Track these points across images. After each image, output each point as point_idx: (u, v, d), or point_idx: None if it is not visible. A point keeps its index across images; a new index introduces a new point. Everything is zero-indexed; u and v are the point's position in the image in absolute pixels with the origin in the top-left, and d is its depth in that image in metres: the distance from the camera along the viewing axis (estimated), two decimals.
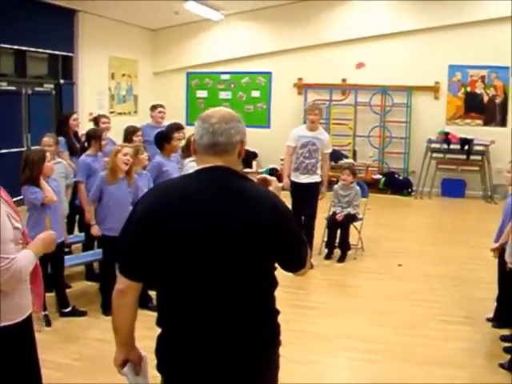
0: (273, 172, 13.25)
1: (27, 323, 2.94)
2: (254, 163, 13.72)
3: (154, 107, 8.51)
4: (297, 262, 2.41)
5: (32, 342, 3.04)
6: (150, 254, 2.24)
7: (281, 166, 13.20)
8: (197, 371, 2.23)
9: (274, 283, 2.37)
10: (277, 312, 2.40)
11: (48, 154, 5.29)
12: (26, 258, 2.80)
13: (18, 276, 2.73)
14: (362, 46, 13.36)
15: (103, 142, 6.76)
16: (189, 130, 8.05)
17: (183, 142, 7.69)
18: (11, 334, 2.79)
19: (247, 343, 2.26)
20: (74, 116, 7.66)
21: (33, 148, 10.58)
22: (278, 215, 2.29)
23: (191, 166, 6.64)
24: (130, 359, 2.42)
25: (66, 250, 6.33)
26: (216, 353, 2.22)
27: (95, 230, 5.82)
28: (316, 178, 7.52)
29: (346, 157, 13.07)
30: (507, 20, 12.12)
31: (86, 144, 6.79)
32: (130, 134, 7.14)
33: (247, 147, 11.82)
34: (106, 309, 5.67)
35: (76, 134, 7.66)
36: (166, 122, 8.39)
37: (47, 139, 6.35)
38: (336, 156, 11.98)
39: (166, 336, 2.33)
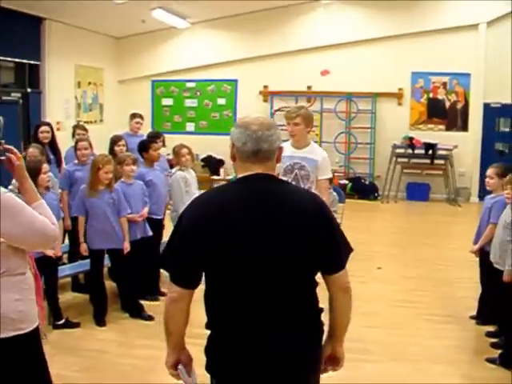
0: None
1: (36, 334, 2.85)
2: (222, 170, 13.79)
3: (132, 116, 8.51)
4: (335, 265, 2.46)
5: (42, 354, 2.95)
6: (198, 263, 2.32)
7: None
8: (248, 370, 2.32)
9: (315, 283, 2.47)
10: (320, 310, 2.49)
11: (45, 165, 5.25)
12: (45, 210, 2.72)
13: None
14: (326, 54, 13.64)
15: (79, 152, 6.64)
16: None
17: (162, 150, 7.71)
18: (22, 345, 2.71)
19: (296, 342, 2.35)
20: (42, 128, 7.35)
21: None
22: (323, 219, 2.40)
23: (179, 174, 6.70)
24: (180, 360, 2.48)
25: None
26: (266, 352, 2.31)
27: (83, 249, 5.74)
28: None
29: None
30: (468, 28, 12.66)
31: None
32: (111, 143, 7.11)
33: (214, 155, 11.90)
34: (100, 320, 5.67)
35: (52, 144, 7.50)
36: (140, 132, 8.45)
37: (33, 150, 6.22)
38: None
39: (217, 337, 2.40)
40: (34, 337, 2.79)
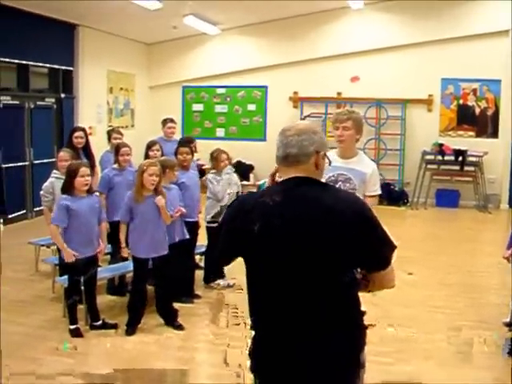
0: None
1: None
2: (251, 176, 13.86)
3: (164, 121, 8.59)
4: (378, 263, 2.44)
5: None
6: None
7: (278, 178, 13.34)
8: (289, 371, 2.34)
9: (356, 283, 2.46)
10: (361, 313, 2.48)
11: (84, 168, 5.29)
12: None
13: None
14: (356, 60, 13.64)
15: (121, 158, 6.70)
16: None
17: (196, 156, 7.79)
18: None
19: (332, 343, 2.34)
20: (76, 134, 7.48)
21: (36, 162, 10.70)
22: (362, 219, 2.38)
23: (210, 177, 6.82)
24: None
25: None
26: (305, 354, 2.32)
27: (125, 252, 5.72)
28: None
29: None
30: (498, 35, 12.57)
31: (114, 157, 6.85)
32: (146, 148, 7.16)
33: (243, 160, 11.89)
34: (130, 329, 5.54)
35: (85, 148, 7.62)
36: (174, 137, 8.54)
37: (63, 154, 6.31)
38: None
39: (258, 338, 2.45)
40: None
